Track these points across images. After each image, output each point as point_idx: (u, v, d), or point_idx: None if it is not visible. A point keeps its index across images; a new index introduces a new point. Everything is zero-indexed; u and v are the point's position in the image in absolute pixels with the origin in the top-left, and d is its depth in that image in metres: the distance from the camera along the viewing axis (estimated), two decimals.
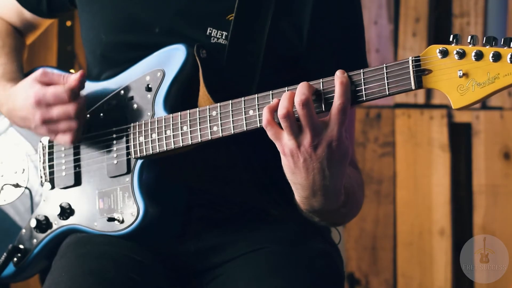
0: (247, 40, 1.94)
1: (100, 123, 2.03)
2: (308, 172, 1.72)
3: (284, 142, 1.71)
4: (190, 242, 2.03)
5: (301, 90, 1.69)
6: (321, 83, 1.73)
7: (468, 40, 1.63)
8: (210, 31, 1.96)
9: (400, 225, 3.84)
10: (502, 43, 1.60)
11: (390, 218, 3.86)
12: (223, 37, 1.95)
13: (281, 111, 1.69)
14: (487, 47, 1.61)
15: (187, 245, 2.03)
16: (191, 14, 1.97)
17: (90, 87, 2.07)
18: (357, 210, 1.98)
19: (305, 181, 1.74)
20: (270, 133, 1.73)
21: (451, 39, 1.65)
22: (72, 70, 3.69)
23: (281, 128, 1.71)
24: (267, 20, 1.94)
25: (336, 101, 1.68)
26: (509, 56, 1.58)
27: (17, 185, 2.15)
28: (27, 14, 2.24)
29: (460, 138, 3.79)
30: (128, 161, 1.97)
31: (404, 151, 3.83)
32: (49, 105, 1.95)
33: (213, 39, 1.95)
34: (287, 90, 1.75)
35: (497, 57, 1.59)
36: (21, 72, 2.17)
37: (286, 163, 1.74)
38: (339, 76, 1.70)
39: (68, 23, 3.73)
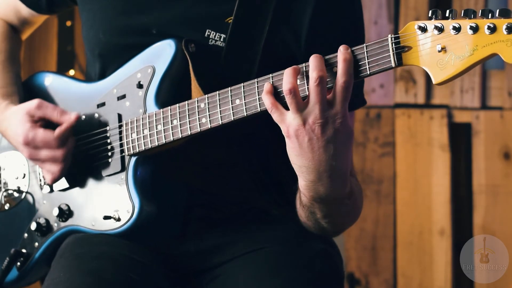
0: (244, 43, 1.94)
1: (95, 123, 2.03)
2: (313, 152, 1.70)
3: (289, 122, 1.69)
4: (190, 242, 2.03)
5: (318, 66, 1.68)
6: (324, 60, 1.71)
7: (447, 14, 1.61)
8: (209, 33, 1.96)
9: (400, 225, 3.84)
10: (480, 15, 1.58)
11: (390, 218, 3.86)
12: (221, 40, 1.95)
13: (286, 86, 1.68)
14: (466, 19, 1.59)
15: (187, 245, 2.03)
16: (189, 16, 1.97)
17: (85, 87, 2.09)
18: (357, 214, 1.96)
19: (311, 162, 1.71)
20: (275, 116, 1.71)
21: (430, 15, 1.63)
22: (72, 70, 3.72)
23: (285, 109, 1.70)
24: (266, 24, 1.94)
25: (340, 79, 1.67)
26: (486, 27, 1.56)
27: (18, 190, 2.15)
28: (25, 12, 2.24)
29: (460, 138, 3.79)
30: (122, 158, 1.98)
31: (404, 151, 3.83)
32: (37, 148, 2.00)
33: (211, 41, 1.95)
34: (271, 77, 1.75)
35: (474, 29, 1.57)
36: (16, 83, 2.19)
37: (291, 145, 1.72)
38: (342, 52, 1.68)
39: (68, 23, 3.73)
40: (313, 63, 1.68)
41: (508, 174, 3.66)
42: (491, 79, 3.70)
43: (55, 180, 2.04)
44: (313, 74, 1.67)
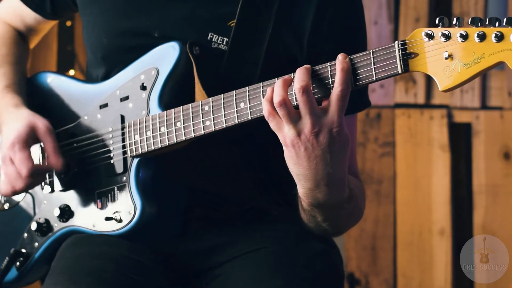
0: (247, 46, 1.94)
1: (98, 124, 2.03)
2: (310, 161, 1.70)
3: (285, 132, 1.70)
4: (190, 242, 2.03)
5: (300, 76, 1.69)
6: (318, 69, 1.73)
7: (454, 22, 1.62)
8: (211, 36, 1.96)
9: (400, 225, 3.84)
10: (487, 23, 1.59)
11: (390, 218, 3.86)
12: (224, 43, 1.95)
13: (276, 99, 1.68)
14: (473, 27, 1.60)
15: (187, 245, 2.03)
16: (192, 19, 1.97)
17: (88, 88, 2.09)
18: (358, 216, 1.97)
19: (308, 171, 1.72)
20: (272, 124, 1.72)
21: (437, 22, 1.64)
22: (72, 70, 3.72)
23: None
24: (268, 27, 1.94)
25: (337, 88, 1.68)
26: (493, 35, 1.57)
27: None
28: (30, 19, 2.24)
29: (460, 138, 3.79)
30: (125, 160, 1.98)
31: (404, 151, 3.83)
32: (11, 159, 1.99)
33: (214, 44, 1.96)
34: (277, 79, 1.75)
35: (482, 37, 1.58)
36: (22, 86, 2.18)
37: (288, 154, 1.72)
38: (341, 61, 1.69)
39: (68, 23, 3.73)
40: (297, 75, 1.69)
41: (508, 174, 3.66)
42: (491, 79, 3.69)
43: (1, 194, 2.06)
44: (296, 85, 1.68)
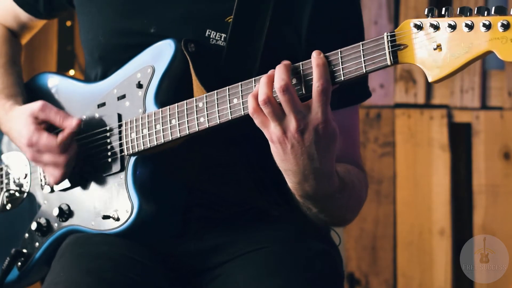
0: (245, 42, 1.94)
1: (95, 123, 2.04)
2: (297, 158, 1.71)
3: (271, 130, 1.70)
4: (189, 242, 2.03)
5: (279, 75, 1.68)
6: (300, 65, 1.72)
7: (443, 12, 1.61)
8: (209, 33, 1.96)
9: (400, 225, 3.84)
10: (476, 13, 1.57)
11: (390, 218, 3.86)
12: (222, 39, 1.95)
13: (260, 98, 1.68)
14: (462, 17, 1.58)
15: (187, 245, 2.03)
16: (190, 16, 1.98)
17: (86, 88, 2.10)
18: (357, 205, 1.96)
19: (295, 167, 1.72)
20: (257, 121, 1.71)
21: (426, 13, 1.63)
22: (72, 70, 3.72)
23: None
24: (265, 23, 1.95)
25: (315, 84, 1.67)
26: (481, 24, 1.55)
27: (20, 191, 2.15)
28: (23, 17, 2.24)
29: (460, 138, 3.79)
30: (122, 158, 1.98)
31: (404, 151, 3.83)
32: (40, 151, 2.00)
33: (212, 40, 1.96)
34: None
35: (470, 26, 1.57)
36: (19, 85, 2.19)
37: (275, 151, 1.73)
38: (315, 57, 1.69)
39: (68, 23, 3.73)
40: (277, 73, 1.69)
41: (508, 174, 3.66)
42: (491, 79, 3.69)
43: (57, 183, 2.04)
44: (276, 85, 1.68)
